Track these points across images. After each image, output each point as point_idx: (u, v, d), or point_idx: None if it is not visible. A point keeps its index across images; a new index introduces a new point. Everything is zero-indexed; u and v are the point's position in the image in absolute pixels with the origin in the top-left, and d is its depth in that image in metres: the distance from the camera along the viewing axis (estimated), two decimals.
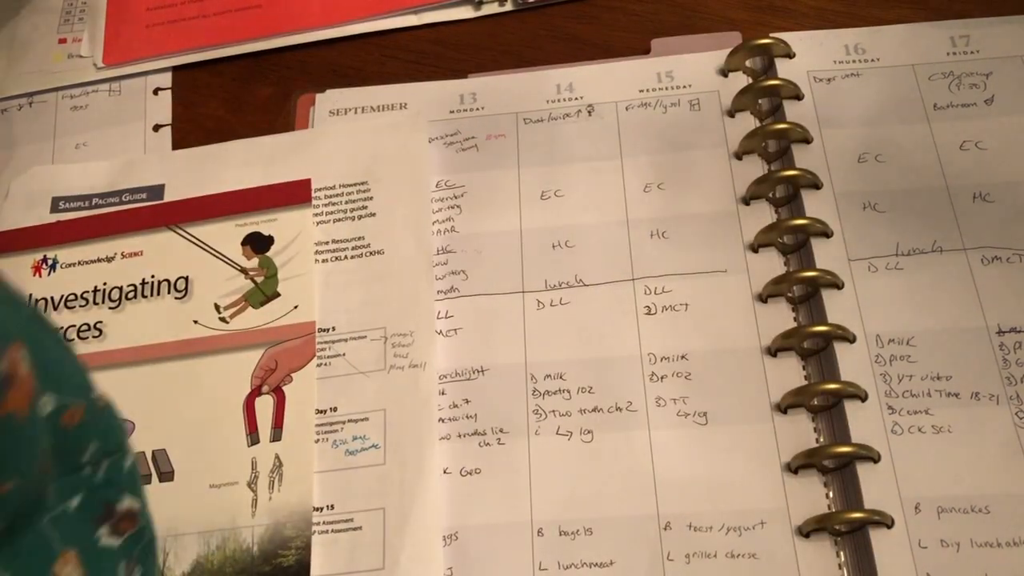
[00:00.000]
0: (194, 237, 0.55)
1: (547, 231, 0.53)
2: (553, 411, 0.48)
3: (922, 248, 0.49)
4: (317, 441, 0.49)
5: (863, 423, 0.45)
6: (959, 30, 0.55)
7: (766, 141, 0.53)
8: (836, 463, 0.45)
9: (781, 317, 0.49)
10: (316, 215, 0.55)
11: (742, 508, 0.45)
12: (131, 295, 0.54)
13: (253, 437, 0.49)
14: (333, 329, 0.52)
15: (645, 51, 0.58)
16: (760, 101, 0.55)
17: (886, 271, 0.49)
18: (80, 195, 0.58)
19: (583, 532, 0.46)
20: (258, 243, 0.55)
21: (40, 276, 0.55)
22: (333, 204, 0.56)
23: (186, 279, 0.54)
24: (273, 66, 0.62)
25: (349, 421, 0.50)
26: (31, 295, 0.55)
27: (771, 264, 0.50)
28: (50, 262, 0.56)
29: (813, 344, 0.48)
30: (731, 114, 0.55)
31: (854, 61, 0.55)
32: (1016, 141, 0.52)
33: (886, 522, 0.43)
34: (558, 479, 0.47)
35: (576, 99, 0.57)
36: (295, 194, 0.56)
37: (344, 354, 0.51)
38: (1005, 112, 0.52)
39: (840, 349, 0.47)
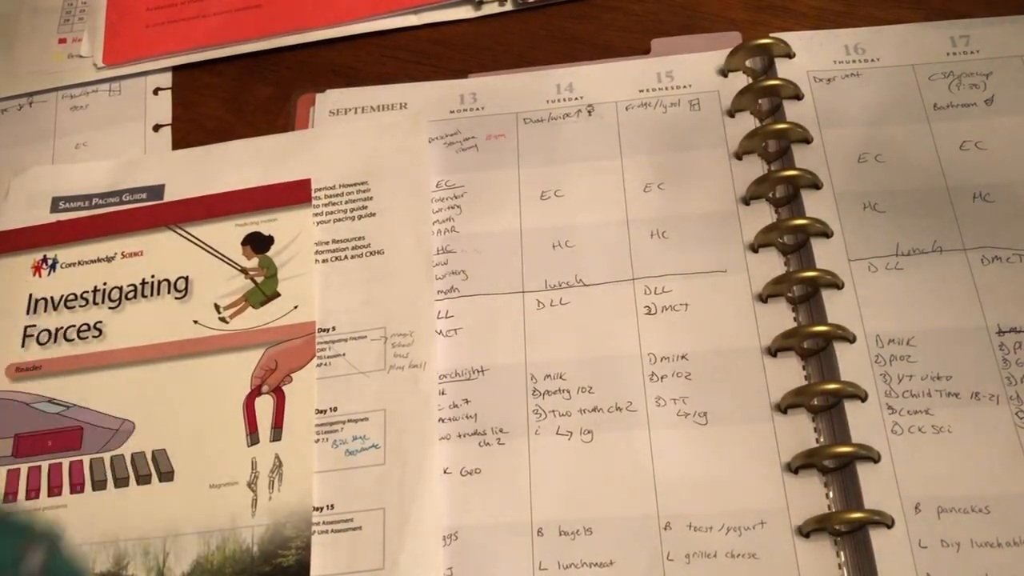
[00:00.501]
0: (194, 237, 0.55)
1: (547, 231, 0.53)
2: (553, 411, 0.48)
3: (922, 248, 0.49)
4: (317, 441, 0.49)
5: (863, 423, 0.45)
6: (959, 30, 0.55)
7: (766, 141, 0.53)
8: (836, 463, 0.45)
9: (781, 317, 0.49)
10: (316, 215, 0.55)
11: (742, 508, 0.45)
12: (131, 295, 0.54)
13: (253, 437, 0.49)
14: (333, 329, 0.52)
15: (645, 51, 0.58)
16: (760, 101, 0.55)
17: (886, 271, 0.49)
18: (80, 195, 0.58)
19: (583, 532, 0.46)
20: (258, 243, 0.55)
21: (40, 276, 0.55)
22: (333, 204, 0.56)
23: (186, 279, 0.54)
24: (273, 66, 0.62)
25: (349, 421, 0.50)
26: (30, 292, 0.55)
27: (771, 264, 0.50)
28: (50, 262, 0.56)
29: (813, 344, 0.48)
30: (731, 114, 0.55)
31: (854, 61, 0.55)
32: (1016, 141, 0.52)
33: (886, 522, 0.43)
34: (558, 479, 0.47)
35: (576, 99, 0.57)
36: (295, 194, 0.56)
37: (344, 354, 0.51)
38: (1005, 112, 0.52)
39: (840, 349, 0.47)
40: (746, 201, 0.52)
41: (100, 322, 0.54)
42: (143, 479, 0.49)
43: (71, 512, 0.49)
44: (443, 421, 0.49)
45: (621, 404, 0.48)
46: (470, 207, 0.54)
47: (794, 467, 0.45)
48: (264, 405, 0.50)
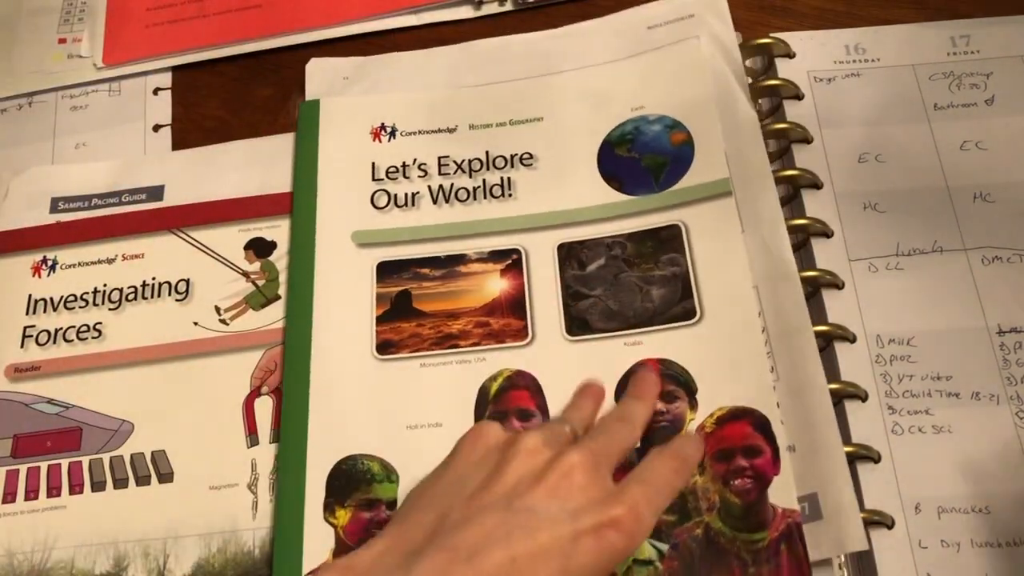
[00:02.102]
0: (196, 241, 0.55)
1: None
2: None
3: (922, 248, 0.49)
4: None
5: (863, 423, 0.45)
6: (959, 30, 0.55)
7: (766, 141, 0.53)
8: None
9: None
10: None
11: None
12: (131, 296, 0.54)
13: (252, 438, 0.49)
14: None
15: None
16: (760, 101, 0.55)
17: (886, 271, 0.49)
18: (79, 195, 0.58)
19: None
20: (260, 248, 0.55)
21: (40, 277, 0.55)
22: None
23: (187, 281, 0.54)
24: (273, 66, 0.62)
25: None
26: (30, 293, 0.55)
27: None
28: (50, 263, 0.56)
29: None
30: None
31: (854, 61, 0.55)
32: (1016, 141, 0.51)
33: (886, 522, 0.43)
34: None
35: None
36: None
37: None
38: (1005, 112, 0.52)
39: (840, 349, 0.47)
40: None
41: (100, 323, 0.54)
42: (142, 480, 0.49)
43: (70, 513, 0.49)
44: None
45: None
46: None
47: None
48: (263, 406, 0.50)
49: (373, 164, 0.56)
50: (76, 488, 0.49)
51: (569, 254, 0.51)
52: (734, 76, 0.54)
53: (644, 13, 0.58)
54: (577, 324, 0.49)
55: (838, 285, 0.49)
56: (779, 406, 0.45)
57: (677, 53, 0.55)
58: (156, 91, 0.62)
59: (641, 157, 0.53)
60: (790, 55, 0.55)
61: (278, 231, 0.55)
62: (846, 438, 0.45)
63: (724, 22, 0.56)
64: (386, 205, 0.54)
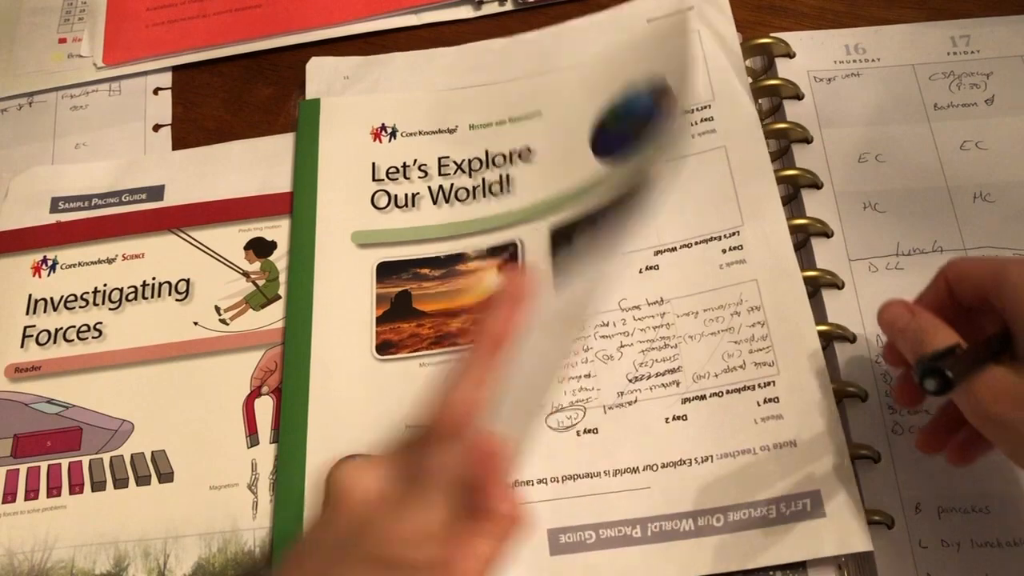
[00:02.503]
0: (196, 241, 0.55)
1: None
2: None
3: (922, 248, 0.49)
4: None
5: (863, 423, 0.45)
6: (959, 30, 0.55)
7: (766, 141, 0.53)
8: None
9: None
10: None
11: None
12: (131, 296, 0.54)
13: (253, 438, 0.49)
14: None
15: None
16: (760, 101, 0.55)
17: (886, 271, 0.49)
18: (80, 195, 0.58)
19: None
20: (260, 248, 0.55)
21: (40, 277, 0.55)
22: None
23: (187, 281, 0.54)
24: (273, 66, 0.62)
25: None
26: (30, 292, 0.55)
27: None
28: (50, 263, 0.56)
29: None
30: None
31: (854, 61, 0.55)
32: (1016, 141, 0.51)
33: (886, 522, 0.43)
34: None
35: None
36: None
37: None
38: (1005, 112, 0.52)
39: (840, 349, 0.47)
40: None
41: (100, 323, 0.54)
42: (142, 480, 0.49)
43: (70, 513, 0.49)
44: None
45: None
46: None
47: None
48: (264, 406, 0.50)
49: (373, 164, 0.56)
50: (76, 488, 0.49)
51: (560, 233, 0.50)
52: (734, 71, 0.54)
53: (643, 7, 0.58)
54: None
55: (838, 285, 0.49)
56: (778, 400, 0.46)
57: (664, 25, 0.55)
58: (156, 91, 0.62)
59: (629, 126, 0.51)
60: (790, 55, 0.55)
61: (278, 231, 0.55)
62: (846, 438, 0.45)
63: (724, 14, 0.56)
64: (386, 205, 0.54)
